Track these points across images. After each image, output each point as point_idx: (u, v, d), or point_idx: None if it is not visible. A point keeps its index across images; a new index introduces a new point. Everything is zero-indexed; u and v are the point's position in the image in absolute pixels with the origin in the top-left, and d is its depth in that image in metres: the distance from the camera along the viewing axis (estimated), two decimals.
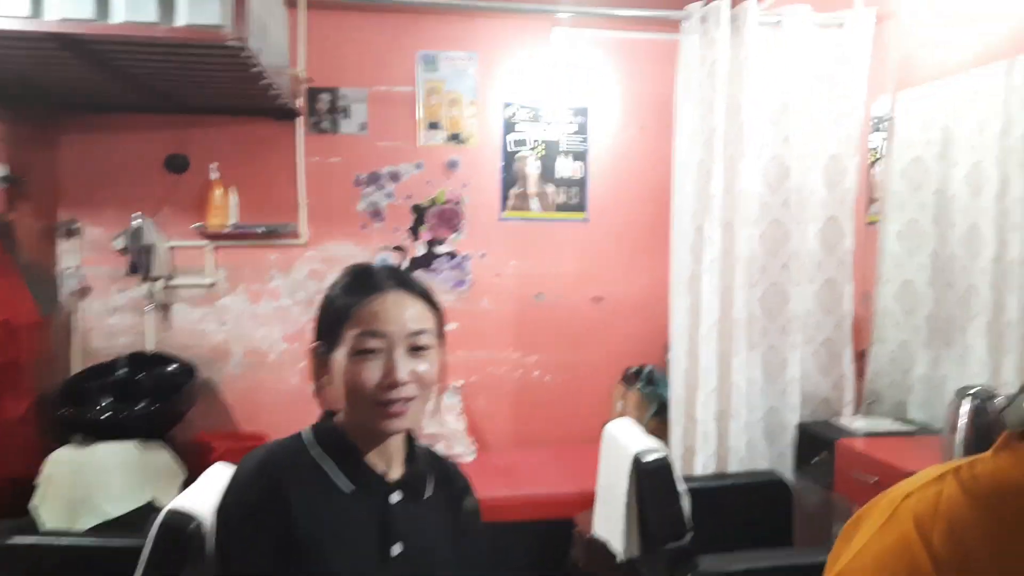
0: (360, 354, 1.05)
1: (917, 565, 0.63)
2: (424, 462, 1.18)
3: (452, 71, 3.52)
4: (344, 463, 1.08)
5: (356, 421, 1.09)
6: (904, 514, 0.67)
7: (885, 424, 2.36)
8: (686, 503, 2.04)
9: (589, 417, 3.56)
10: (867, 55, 2.61)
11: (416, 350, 1.07)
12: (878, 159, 2.72)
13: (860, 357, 2.63)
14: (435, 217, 3.55)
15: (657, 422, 3.08)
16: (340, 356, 1.06)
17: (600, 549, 2.38)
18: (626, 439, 2.19)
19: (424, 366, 1.08)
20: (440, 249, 3.55)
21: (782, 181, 2.60)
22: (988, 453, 0.68)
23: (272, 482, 1.03)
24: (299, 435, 1.12)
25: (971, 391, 1.87)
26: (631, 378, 3.40)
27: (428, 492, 1.16)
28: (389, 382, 1.04)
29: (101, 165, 3.34)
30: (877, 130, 2.72)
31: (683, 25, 2.63)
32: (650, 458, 2.04)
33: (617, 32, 3.51)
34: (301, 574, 1.01)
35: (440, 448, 2.77)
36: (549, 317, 3.62)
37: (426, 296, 1.13)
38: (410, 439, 1.18)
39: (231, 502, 1.04)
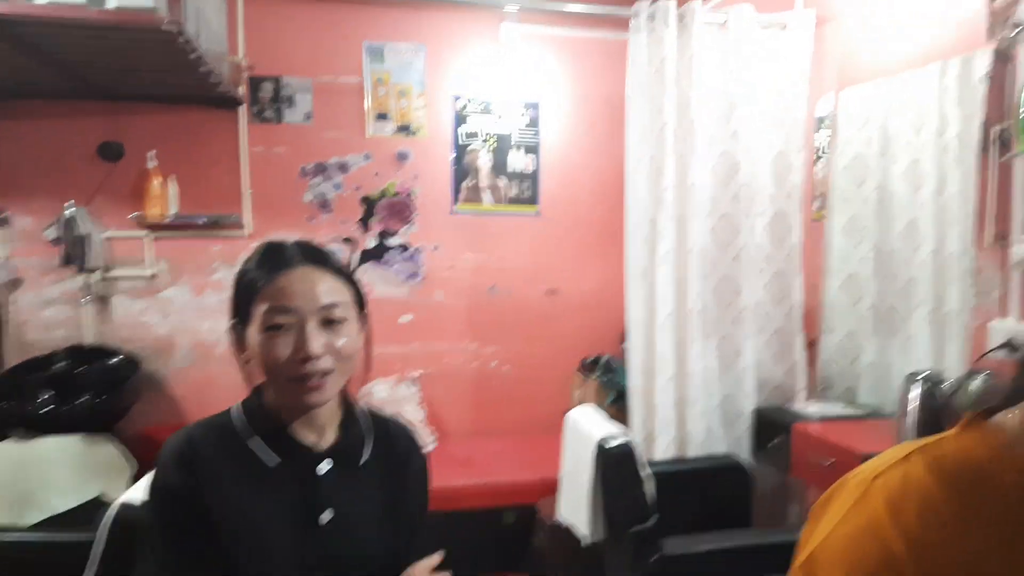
0: (271, 330, 1.05)
1: (888, 545, 0.65)
2: (360, 426, 1.18)
3: (399, 63, 3.49)
4: (269, 437, 1.09)
5: (277, 396, 1.10)
6: (874, 495, 0.68)
7: (837, 408, 2.46)
8: (650, 487, 2.08)
9: (547, 406, 3.60)
10: (809, 55, 2.72)
11: (330, 323, 1.07)
12: (822, 156, 2.84)
13: (811, 345, 2.74)
14: (385, 209, 3.51)
15: (615, 409, 3.13)
16: (253, 332, 1.07)
17: (563, 534, 2.42)
18: (589, 425, 2.23)
19: (341, 339, 1.08)
20: (391, 241, 3.52)
21: (731, 176, 2.68)
22: (952, 432, 0.71)
23: (190, 463, 1.04)
24: (228, 411, 1.13)
25: (920, 376, 1.98)
26: (588, 367, 3.45)
27: (365, 456, 1.16)
28: (302, 356, 1.04)
29: (29, 152, 3.18)
30: (821, 128, 2.84)
31: (631, 23, 2.67)
32: (613, 444, 2.08)
33: (566, 29, 3.55)
34: (229, 550, 1.02)
35: None
36: (504, 309, 3.63)
37: (339, 270, 1.12)
38: (347, 405, 1.18)
39: (153, 486, 1.06)
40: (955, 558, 0.64)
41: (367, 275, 3.48)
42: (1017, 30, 2.01)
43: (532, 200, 3.63)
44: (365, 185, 3.48)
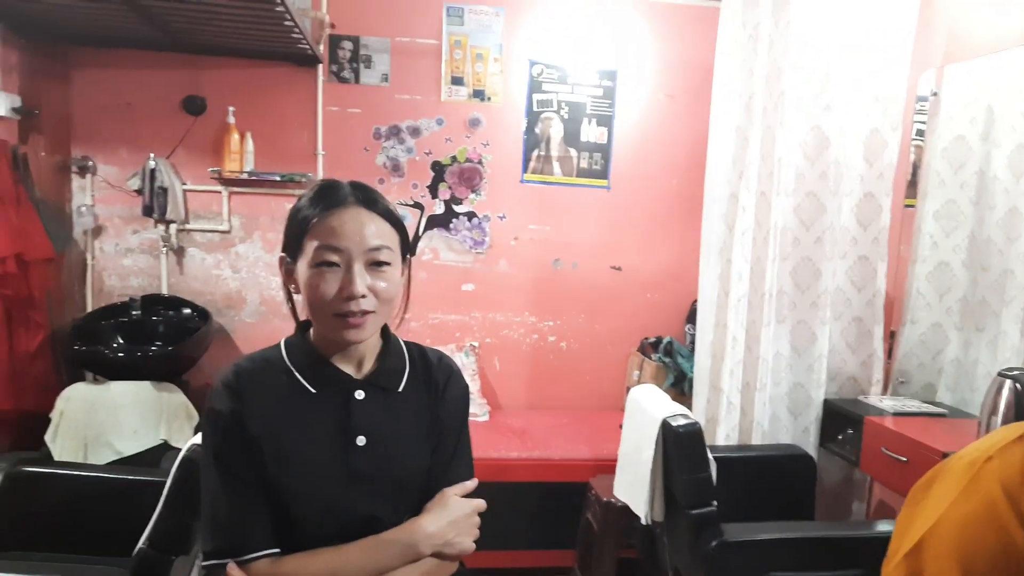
0: (319, 266, 1.09)
1: (1007, 530, 0.61)
2: (398, 358, 1.22)
3: (478, 25, 3.43)
4: (310, 368, 1.15)
5: (320, 329, 1.16)
6: (988, 478, 0.64)
7: (914, 405, 2.33)
8: (713, 469, 2.02)
9: (603, 385, 3.56)
10: (913, 27, 2.53)
11: (375, 266, 1.12)
12: (918, 136, 2.67)
13: (890, 337, 2.60)
14: (455, 176, 3.48)
15: (674, 393, 3.06)
16: (302, 267, 1.12)
17: (616, 512, 2.37)
18: (652, 405, 2.16)
19: (383, 282, 1.12)
20: (459, 208, 3.49)
21: (820, 152, 2.54)
22: None
23: (237, 391, 1.11)
24: (276, 345, 1.20)
25: (1012, 373, 1.85)
26: (649, 348, 3.37)
27: (403, 384, 1.20)
28: (346, 294, 1.08)
29: (115, 102, 3.26)
30: (920, 110, 2.66)
31: None
32: (680, 423, 2.01)
33: None
34: (273, 471, 1.09)
35: None
36: (567, 284, 3.57)
37: (388, 214, 1.15)
38: (386, 336, 1.23)
39: (204, 416, 1.13)
40: None
41: (433, 241, 3.47)
42: None
43: (603, 174, 3.53)
44: (436, 150, 3.46)
